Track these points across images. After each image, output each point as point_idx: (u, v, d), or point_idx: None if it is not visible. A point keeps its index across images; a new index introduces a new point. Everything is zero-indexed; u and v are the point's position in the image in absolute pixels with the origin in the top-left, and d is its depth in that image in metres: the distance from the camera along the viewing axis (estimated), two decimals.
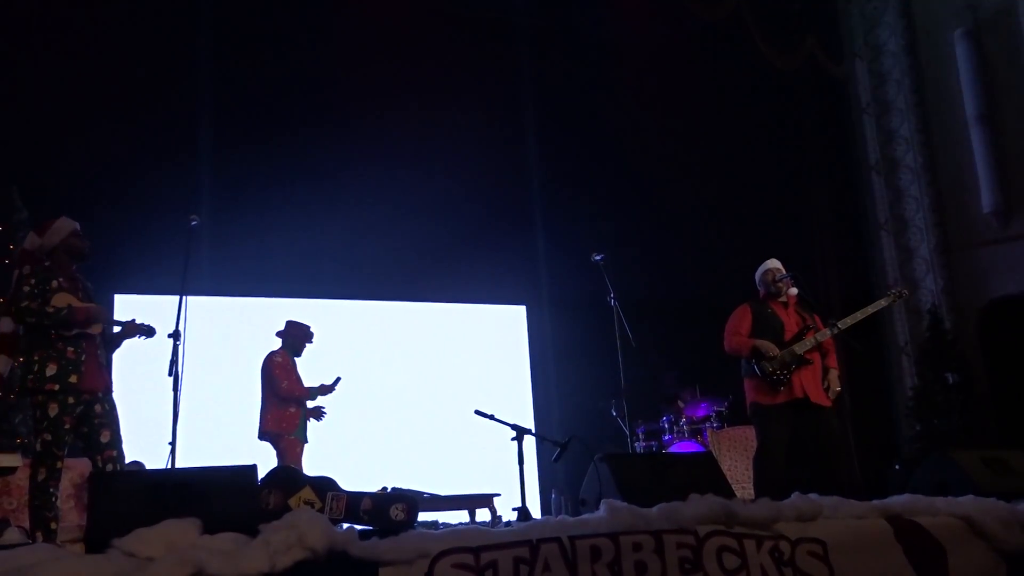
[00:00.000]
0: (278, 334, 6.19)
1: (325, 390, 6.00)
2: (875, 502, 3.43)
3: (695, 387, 8.38)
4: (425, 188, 8.34)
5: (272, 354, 6.10)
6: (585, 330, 8.20)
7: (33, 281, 4.09)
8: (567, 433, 5.96)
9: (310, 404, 6.05)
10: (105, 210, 7.17)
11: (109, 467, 4.09)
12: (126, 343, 4.35)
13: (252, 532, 2.51)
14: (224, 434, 5.58)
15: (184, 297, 4.33)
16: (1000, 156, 9.66)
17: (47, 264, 4.21)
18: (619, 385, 6.15)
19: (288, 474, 3.00)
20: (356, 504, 2.84)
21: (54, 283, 4.13)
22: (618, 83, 8.98)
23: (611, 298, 5.87)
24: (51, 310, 4.03)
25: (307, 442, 6.02)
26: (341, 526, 2.73)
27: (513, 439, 4.29)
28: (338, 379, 6.01)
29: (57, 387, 3.99)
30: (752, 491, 5.34)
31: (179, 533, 2.47)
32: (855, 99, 10.58)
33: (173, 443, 4.31)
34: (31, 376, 4.01)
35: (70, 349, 4.07)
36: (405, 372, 8.33)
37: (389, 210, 8.25)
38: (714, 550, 2.96)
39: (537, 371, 9.27)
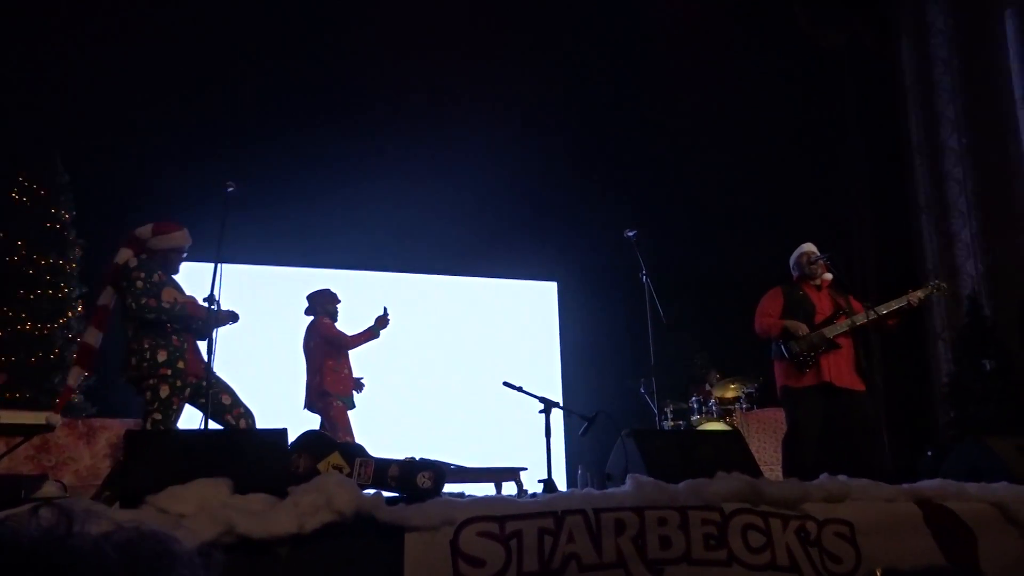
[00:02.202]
0: (307, 311, 6.25)
1: (382, 322, 6.03)
2: (905, 486, 3.40)
3: (724, 368, 8.35)
4: (460, 163, 8.37)
5: (316, 319, 6.18)
6: (616, 307, 8.19)
7: (143, 275, 4.37)
8: (595, 409, 5.98)
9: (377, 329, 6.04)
10: (143, 175, 7.30)
11: (242, 423, 4.41)
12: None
13: (282, 494, 2.55)
14: (256, 399, 5.65)
15: (219, 264, 4.37)
16: None
17: (143, 256, 4.47)
18: (648, 363, 6.12)
19: (318, 438, 3.04)
20: (384, 470, 2.87)
21: (155, 276, 4.40)
22: (653, 57, 8.87)
23: (643, 275, 5.83)
24: (167, 306, 4.34)
25: (354, 407, 6.10)
26: (369, 492, 2.76)
27: (541, 412, 4.30)
28: (385, 309, 6.05)
29: (169, 372, 4.30)
30: (780, 473, 5.32)
31: (211, 492, 2.52)
32: (900, 79, 10.36)
33: (205, 405, 4.38)
34: (145, 363, 4.29)
35: (175, 338, 4.38)
36: (436, 345, 8.39)
37: (423, 184, 8.29)
38: (739, 527, 2.96)
39: (567, 347, 9.30)
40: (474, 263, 8.86)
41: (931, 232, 9.88)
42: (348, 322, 6.41)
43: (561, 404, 4.41)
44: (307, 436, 3.05)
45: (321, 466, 2.93)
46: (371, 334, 6.04)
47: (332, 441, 3.03)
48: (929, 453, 7.72)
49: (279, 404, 6.16)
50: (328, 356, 6.04)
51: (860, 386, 5.14)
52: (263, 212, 7.61)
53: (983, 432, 6.81)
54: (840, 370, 5.08)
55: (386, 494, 2.85)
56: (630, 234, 5.89)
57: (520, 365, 8.53)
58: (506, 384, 4.38)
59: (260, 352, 7.48)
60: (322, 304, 6.25)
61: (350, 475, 2.87)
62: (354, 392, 6.19)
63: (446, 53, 8.21)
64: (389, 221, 8.19)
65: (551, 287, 9.56)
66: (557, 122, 9.12)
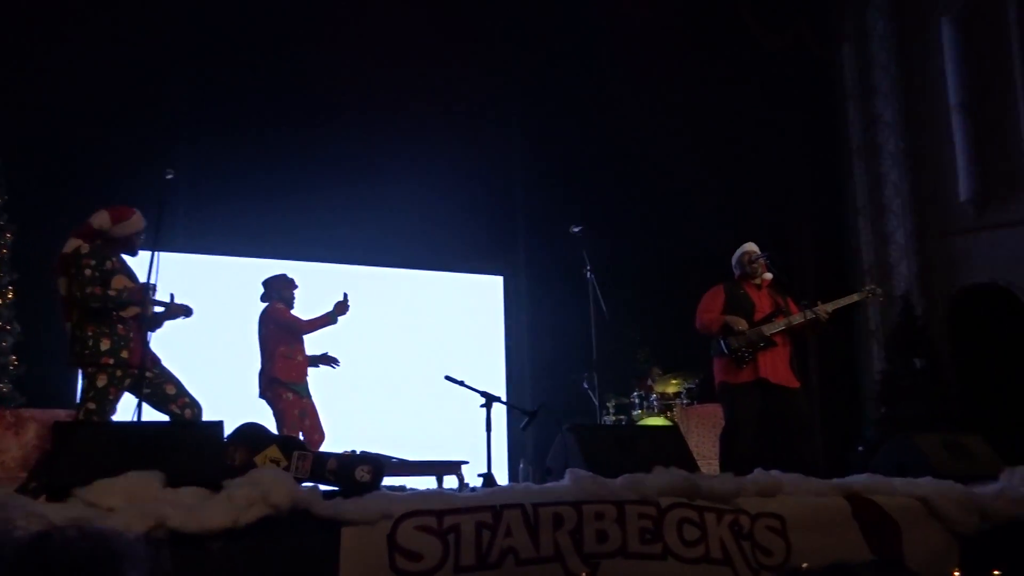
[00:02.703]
0: (262, 297, 6.11)
1: (342, 308, 5.90)
2: (835, 480, 3.50)
3: (666, 364, 8.46)
4: (408, 155, 8.28)
5: (269, 305, 6.03)
6: (561, 302, 8.21)
7: (93, 263, 4.28)
8: (538, 404, 6.01)
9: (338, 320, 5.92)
10: (78, 161, 7.09)
11: (187, 413, 4.36)
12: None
13: (216, 487, 2.52)
14: (202, 392, 5.54)
15: (156, 253, 4.29)
16: (979, 146, 9.73)
17: (99, 243, 4.38)
18: (591, 359, 6.18)
19: (255, 431, 3.00)
20: (322, 464, 2.85)
21: (109, 264, 4.33)
22: (601, 54, 8.92)
23: (587, 271, 5.88)
24: (113, 293, 4.27)
25: (308, 395, 5.94)
26: (306, 486, 2.73)
27: (482, 406, 4.31)
28: (345, 295, 5.93)
29: (112, 361, 4.23)
30: (718, 467, 5.42)
31: (141, 485, 2.47)
32: (841, 82, 10.60)
33: (150, 396, 4.31)
34: (87, 351, 4.22)
35: (120, 326, 4.30)
36: (379, 337, 8.33)
37: (369, 174, 8.19)
38: (675, 521, 3.01)
39: (512, 341, 9.31)
40: (420, 255, 8.81)
41: (868, 232, 10.16)
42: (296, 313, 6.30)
43: (503, 399, 4.42)
44: (244, 429, 3.01)
45: (258, 459, 2.90)
46: (327, 320, 5.88)
47: (269, 434, 3.00)
48: (860, 448, 7.96)
49: (225, 396, 6.05)
50: (281, 342, 5.88)
51: (795, 383, 5.25)
52: (205, 200, 7.48)
53: (911, 429, 7.04)
54: (776, 367, 5.17)
55: (324, 488, 2.83)
56: (575, 230, 5.92)
57: (465, 359, 8.52)
58: (448, 378, 4.39)
59: (205, 343, 7.35)
60: (277, 289, 6.07)
61: (287, 469, 2.84)
62: (326, 368, 6.00)
63: (399, 47, 8.15)
64: (335, 212, 8.09)
65: (497, 281, 9.56)
66: (506, 117, 9.11)
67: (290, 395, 5.80)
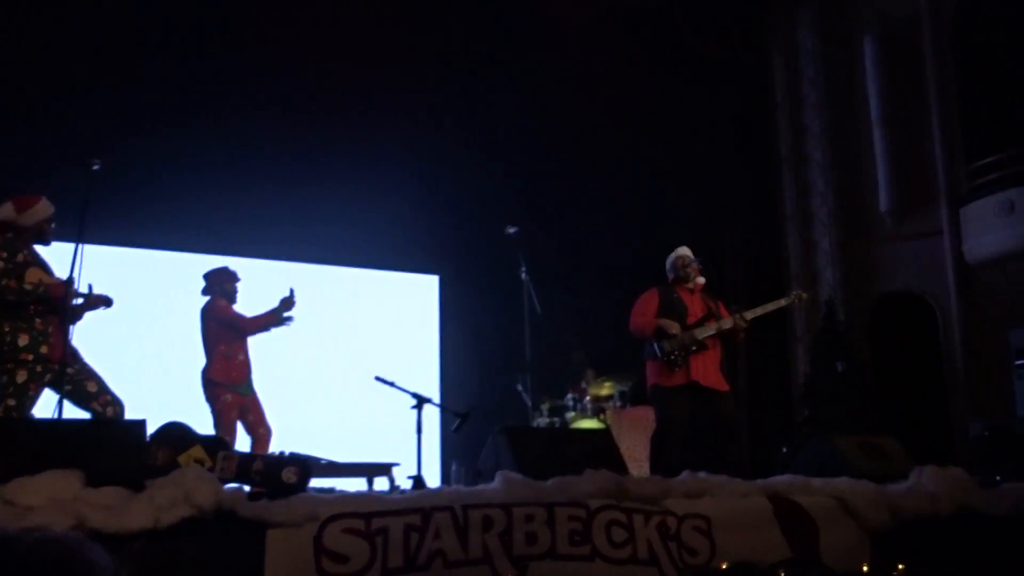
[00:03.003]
0: (204, 291, 5.88)
1: (288, 304, 5.69)
2: (759, 481, 3.58)
3: (600, 367, 8.53)
4: (343, 150, 8.20)
5: (210, 302, 5.80)
6: (497, 303, 8.22)
7: (5, 255, 4.15)
8: (473, 405, 6.00)
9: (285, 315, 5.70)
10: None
11: (109, 411, 4.24)
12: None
13: (138, 487, 2.46)
14: (124, 390, 5.38)
15: (80, 245, 4.16)
16: (897, 159, 10.17)
17: (10, 236, 4.24)
18: (525, 360, 6.20)
19: (179, 431, 2.93)
20: (247, 465, 2.79)
21: (21, 256, 4.20)
22: (537, 56, 8.94)
23: (523, 272, 5.91)
24: (29, 287, 4.15)
25: (252, 394, 5.78)
26: (231, 487, 2.68)
27: (413, 407, 4.29)
28: (292, 291, 5.76)
29: (31, 357, 4.12)
30: (649, 469, 5.48)
31: (61, 484, 2.40)
32: (771, 93, 10.88)
33: (70, 392, 4.17)
34: (4, 347, 4.10)
35: (38, 321, 4.18)
36: (312, 336, 8.21)
37: (304, 170, 8.07)
38: (604, 523, 3.04)
39: (447, 342, 9.29)
40: (356, 253, 8.71)
41: (795, 240, 10.47)
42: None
43: (434, 400, 4.41)
44: (167, 428, 2.94)
45: (181, 459, 2.83)
46: (273, 317, 5.68)
47: (194, 434, 2.93)
48: (784, 450, 8.15)
49: (152, 394, 5.88)
50: (221, 341, 5.69)
51: (724, 386, 5.35)
52: (131, 192, 7.26)
53: (832, 430, 7.25)
54: (707, 370, 5.26)
55: (250, 489, 2.78)
56: (511, 231, 5.95)
57: (399, 359, 8.47)
58: (379, 379, 4.35)
59: (133, 339, 7.15)
60: (218, 283, 5.83)
61: (212, 469, 2.78)
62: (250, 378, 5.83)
63: (337, 45, 8.02)
64: (270, 208, 7.93)
65: (433, 281, 9.52)
66: (442, 116, 9.07)
67: (229, 396, 5.63)
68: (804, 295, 5.82)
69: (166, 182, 7.49)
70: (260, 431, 5.73)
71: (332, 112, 8.25)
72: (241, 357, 5.76)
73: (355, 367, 7.89)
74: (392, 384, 4.37)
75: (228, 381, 5.65)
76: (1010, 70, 9.70)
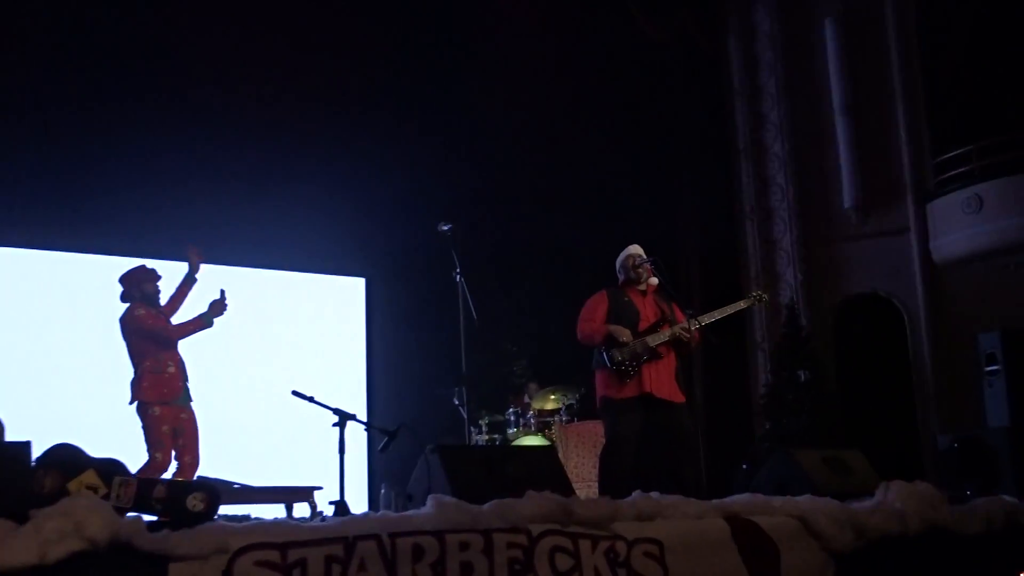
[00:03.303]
0: (122, 297, 5.72)
1: (218, 308, 5.61)
2: (715, 501, 3.62)
3: (545, 377, 8.57)
4: (262, 145, 8.20)
5: (128, 310, 5.64)
6: (429, 307, 8.20)
7: None
8: (403, 421, 5.95)
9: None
10: None
11: None
12: None
13: (21, 518, 2.39)
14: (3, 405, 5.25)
15: None
16: (861, 151, 10.45)
17: None
18: (461, 371, 6.19)
19: (69, 453, 2.85)
20: (148, 491, 2.73)
21: None
22: (479, 43, 8.98)
23: (457, 274, 5.89)
24: None
25: (192, 401, 5.69)
26: (129, 516, 2.62)
27: (335, 425, 4.24)
28: (222, 292, 5.65)
29: None
30: (598, 489, 5.52)
31: None
32: (728, 80, 11.06)
33: None
34: None
35: None
36: (224, 346, 8.08)
37: (221, 166, 8.03)
38: (547, 550, 3.03)
39: (374, 351, 9.22)
40: (273, 253, 8.60)
41: (754, 238, 10.66)
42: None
43: (358, 416, 4.36)
44: (55, 451, 2.85)
45: (72, 486, 2.75)
46: (202, 322, 5.58)
47: (86, 457, 2.85)
48: (744, 466, 8.29)
49: (40, 413, 5.72)
50: (147, 355, 5.56)
51: (679, 397, 5.40)
52: (42, 193, 7.13)
53: (794, 444, 7.41)
54: (661, 381, 5.30)
55: (150, 518, 2.72)
56: (445, 228, 5.93)
57: (323, 370, 8.40)
58: (296, 394, 4.29)
59: (19, 349, 6.95)
60: (137, 284, 5.67)
61: (107, 497, 2.71)
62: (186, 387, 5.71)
63: (257, 41, 8.03)
64: (183, 206, 7.78)
65: (358, 284, 9.44)
66: (367, 107, 9.02)
67: (157, 409, 5.52)
68: (765, 296, 5.93)
69: (76, 179, 7.32)
70: (186, 459, 5.61)
71: (253, 109, 8.23)
72: (171, 369, 5.65)
73: (273, 380, 7.79)
74: (311, 399, 4.31)
75: (159, 399, 5.55)
76: (979, 56, 10.02)
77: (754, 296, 5.85)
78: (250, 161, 8.07)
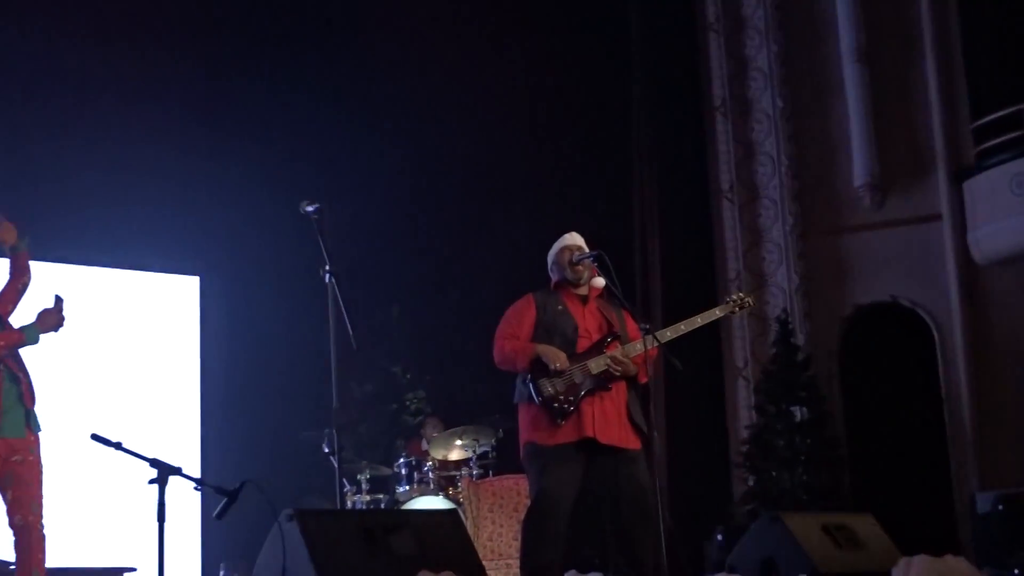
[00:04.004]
0: None
1: (48, 320, 5.45)
2: None
3: (449, 414, 8.55)
4: (82, 124, 8.45)
5: None
6: (287, 317, 8.14)
7: None
8: (247, 474, 5.84)
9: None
10: None
11: None
12: None
13: None
14: None
15: None
16: (878, 111, 10.48)
17: None
18: (332, 405, 6.12)
19: None
20: None
21: None
22: None
23: (327, 272, 5.83)
24: None
25: (40, 431, 5.49)
26: None
27: (152, 482, 4.14)
28: (58, 298, 5.50)
29: None
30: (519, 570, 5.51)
31: None
32: (701, 15, 11.10)
33: None
34: None
35: None
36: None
37: (34, 150, 8.25)
38: None
39: (210, 376, 9.11)
40: (88, 247, 8.58)
41: (735, 225, 10.72)
42: None
43: (184, 470, 4.26)
44: None
45: None
46: (21, 338, 5.46)
47: None
48: (719, 536, 8.38)
49: None
50: None
51: (634, 443, 5.37)
52: None
53: (785, 507, 7.50)
54: (607, 421, 5.27)
55: None
56: (309, 209, 5.84)
57: (141, 402, 8.29)
58: (97, 438, 4.18)
59: None
60: None
61: None
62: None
63: (58, 20, 8.32)
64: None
65: (191, 283, 9.34)
66: (218, 72, 9.15)
67: None
68: (748, 299, 5.92)
69: None
70: (17, 518, 5.40)
71: (68, 88, 8.47)
72: None
73: (76, 416, 7.66)
74: (117, 446, 4.20)
75: None
76: None
77: (734, 301, 5.82)
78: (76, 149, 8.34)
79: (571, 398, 5.21)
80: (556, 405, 5.20)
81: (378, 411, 8.77)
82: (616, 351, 5.31)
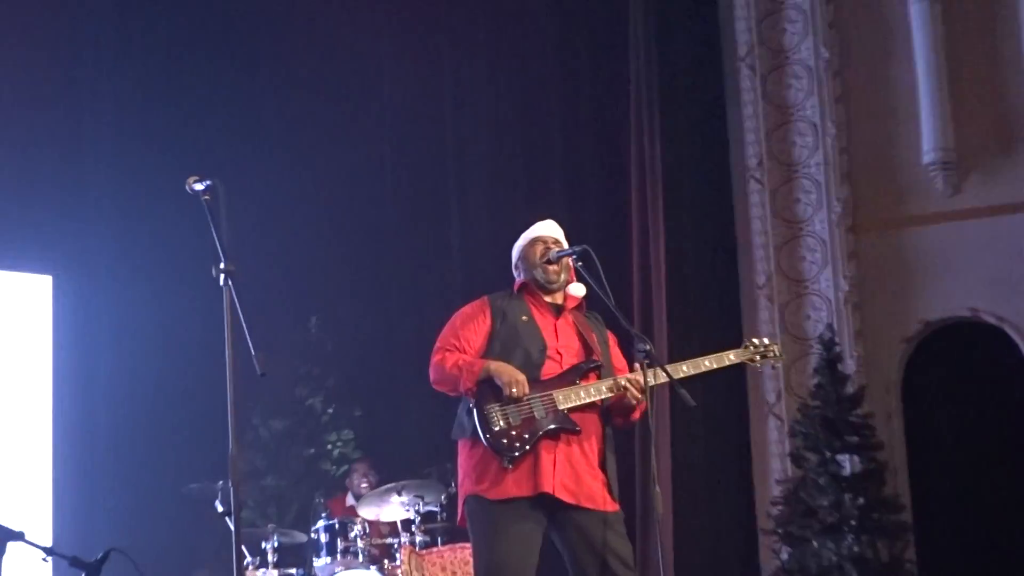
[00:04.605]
0: None
1: None
2: None
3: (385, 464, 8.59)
4: None
5: None
6: (167, 330, 8.16)
7: None
8: (113, 540, 5.84)
9: None
10: None
11: None
12: None
13: None
14: None
15: None
16: (956, 66, 10.54)
17: None
18: (228, 451, 6.14)
19: None
20: None
21: None
22: None
23: (221, 270, 5.83)
24: None
25: None
26: None
27: None
28: None
29: None
30: None
31: None
32: None
33: None
34: None
35: None
36: None
37: None
38: None
39: (66, 408, 9.11)
40: None
41: (764, 214, 10.75)
42: None
43: (26, 535, 4.29)
44: None
45: None
46: None
47: None
48: None
49: None
50: None
51: (609, 505, 5.34)
52: None
53: None
54: (575, 472, 5.25)
55: None
56: (200, 187, 5.85)
57: None
58: None
59: None
60: None
61: None
62: None
63: None
64: None
65: (43, 283, 9.38)
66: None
67: None
68: (774, 349, 5.84)
69: None
70: None
71: None
72: None
73: None
74: None
75: None
76: None
77: (754, 346, 5.75)
78: None
79: (525, 435, 5.16)
80: (504, 443, 5.15)
81: (290, 457, 8.78)
82: (625, 376, 5.32)
